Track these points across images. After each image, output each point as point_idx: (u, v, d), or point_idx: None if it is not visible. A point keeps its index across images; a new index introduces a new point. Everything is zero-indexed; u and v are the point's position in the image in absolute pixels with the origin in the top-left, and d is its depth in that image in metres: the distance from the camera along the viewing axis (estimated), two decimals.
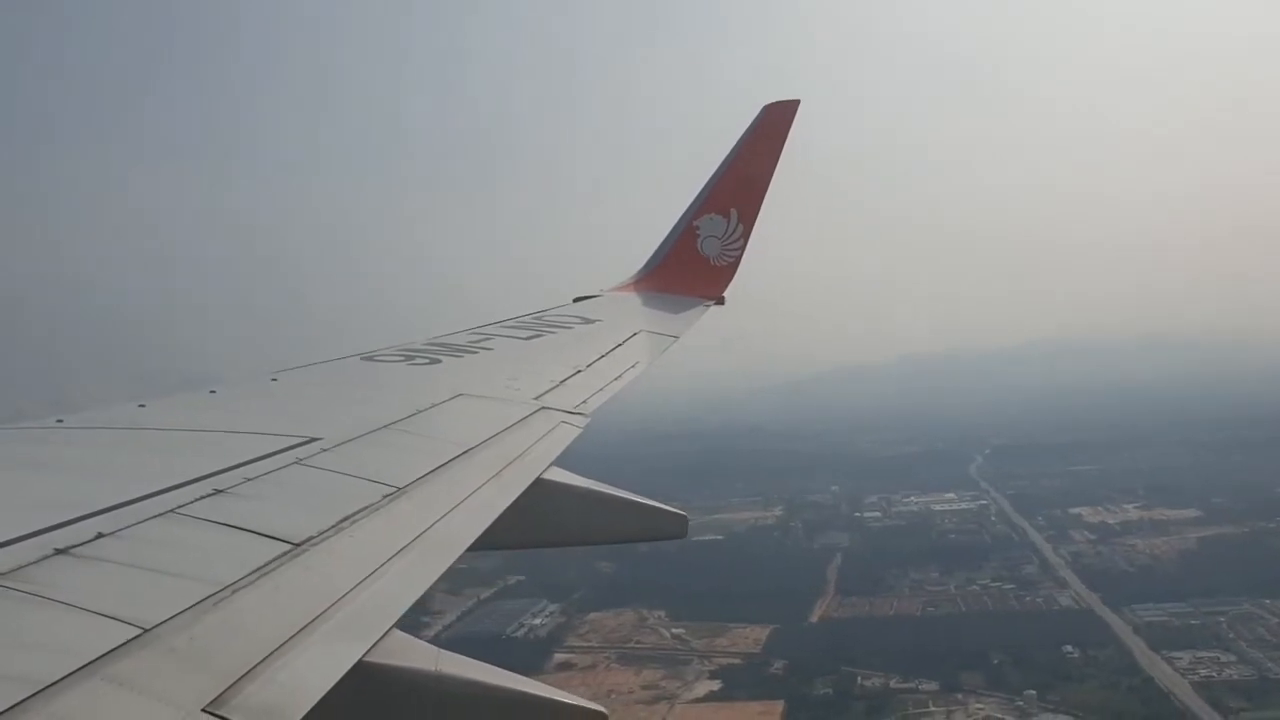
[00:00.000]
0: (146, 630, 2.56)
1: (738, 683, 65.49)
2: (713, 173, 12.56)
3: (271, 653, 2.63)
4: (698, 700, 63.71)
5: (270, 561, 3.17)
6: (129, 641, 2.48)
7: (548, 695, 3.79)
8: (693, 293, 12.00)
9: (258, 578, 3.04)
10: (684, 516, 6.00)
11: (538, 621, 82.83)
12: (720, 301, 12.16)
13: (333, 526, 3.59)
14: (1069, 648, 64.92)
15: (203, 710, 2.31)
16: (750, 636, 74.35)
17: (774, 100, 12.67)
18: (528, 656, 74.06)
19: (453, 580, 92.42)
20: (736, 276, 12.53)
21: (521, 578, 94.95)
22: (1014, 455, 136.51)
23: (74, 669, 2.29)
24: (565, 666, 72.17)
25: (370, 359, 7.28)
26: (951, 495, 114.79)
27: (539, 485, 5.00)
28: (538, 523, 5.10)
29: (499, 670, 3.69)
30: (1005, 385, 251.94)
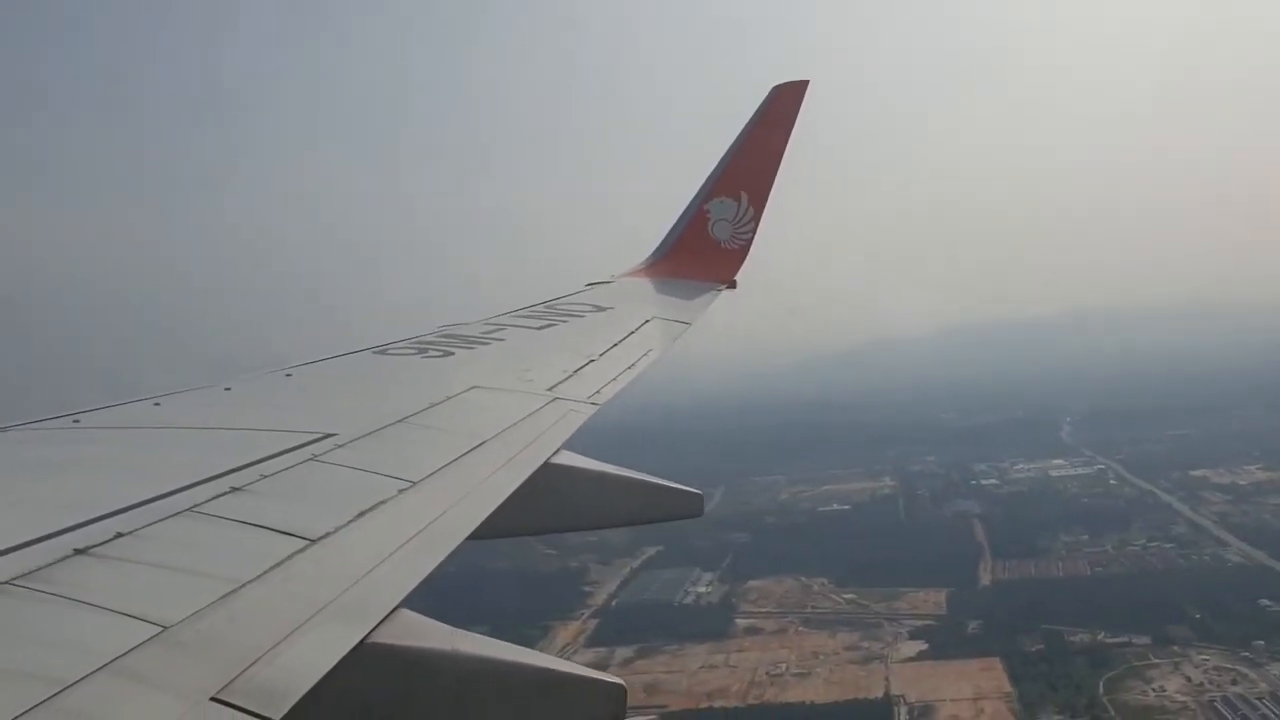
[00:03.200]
0: (166, 628, 2.61)
1: (941, 643, 67.00)
2: (722, 155, 12.38)
3: (279, 641, 2.70)
4: (911, 660, 65.23)
5: (287, 558, 3.23)
6: (149, 640, 2.54)
7: (566, 670, 3.79)
8: (705, 277, 11.82)
9: (271, 573, 3.11)
10: (699, 495, 6.00)
11: (703, 589, 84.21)
12: (732, 285, 11.98)
13: (349, 522, 3.64)
14: (1265, 601, 66.63)
15: (211, 699, 2.39)
16: (929, 600, 75.87)
17: (785, 80, 12.46)
18: (711, 622, 75.78)
19: (601, 552, 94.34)
20: (754, 256, 12.33)
21: (660, 547, 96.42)
22: (1103, 422, 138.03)
23: (95, 668, 2.35)
24: (753, 631, 73.60)
25: (383, 352, 7.26)
26: (1060, 461, 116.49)
27: (551, 470, 5.05)
28: (552, 507, 5.15)
29: (515, 647, 3.74)
30: (1052, 355, 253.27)
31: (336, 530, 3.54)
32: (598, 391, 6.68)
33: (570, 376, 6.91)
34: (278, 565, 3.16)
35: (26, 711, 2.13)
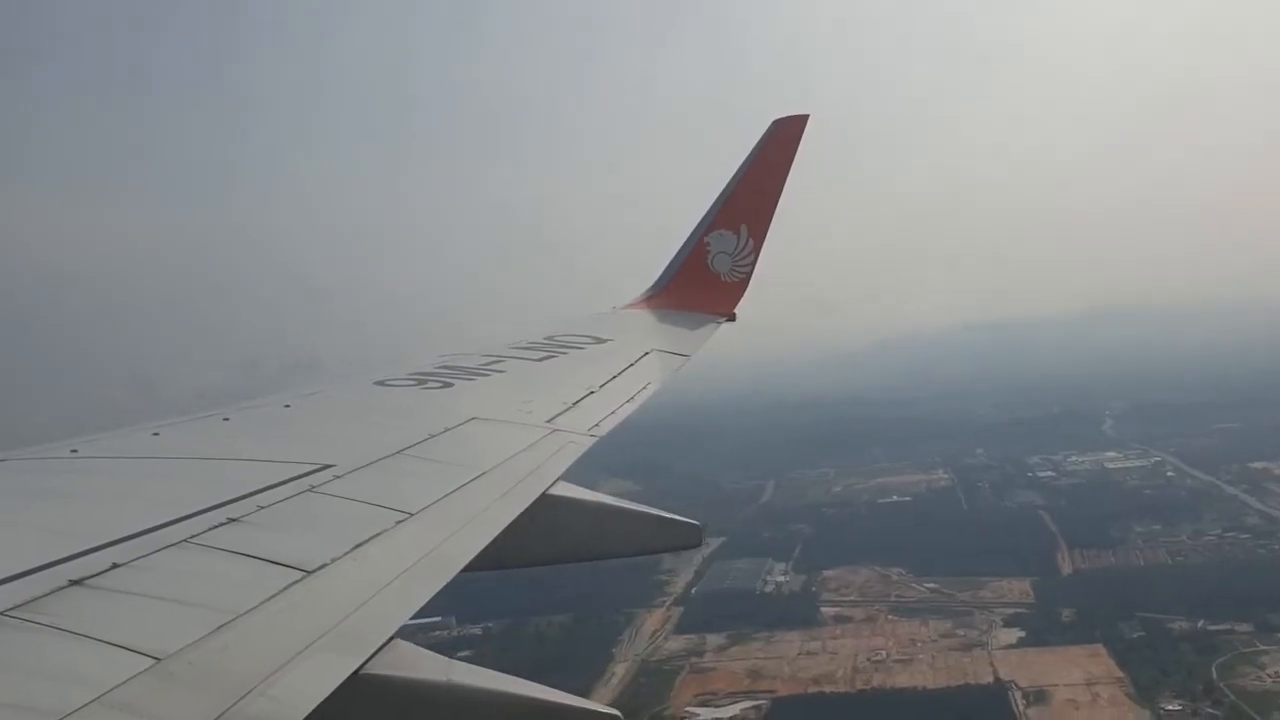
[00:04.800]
0: (160, 660, 2.61)
1: (1038, 630, 67.50)
2: (723, 188, 12.41)
3: (272, 672, 2.71)
4: (1012, 647, 65.67)
5: (283, 589, 3.23)
6: (143, 672, 2.53)
7: (561, 700, 3.77)
8: (704, 309, 11.84)
9: (267, 604, 3.12)
10: (698, 526, 5.90)
11: (781, 579, 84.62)
12: (732, 318, 12.00)
13: (345, 553, 3.64)
14: None
15: None
16: (1014, 588, 76.34)
17: (784, 115, 12.53)
18: (797, 610, 76.19)
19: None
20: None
21: (725, 538, 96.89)
22: (1144, 416, 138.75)
23: (88, 700, 2.34)
24: (842, 619, 74.02)
25: (382, 384, 7.30)
26: (1113, 454, 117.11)
27: (549, 502, 5.05)
28: (550, 538, 5.15)
29: (510, 678, 3.75)
30: (1076, 351, 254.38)
31: (333, 561, 3.54)
32: (597, 424, 6.65)
33: (570, 408, 6.91)
34: (273, 596, 3.17)
35: None
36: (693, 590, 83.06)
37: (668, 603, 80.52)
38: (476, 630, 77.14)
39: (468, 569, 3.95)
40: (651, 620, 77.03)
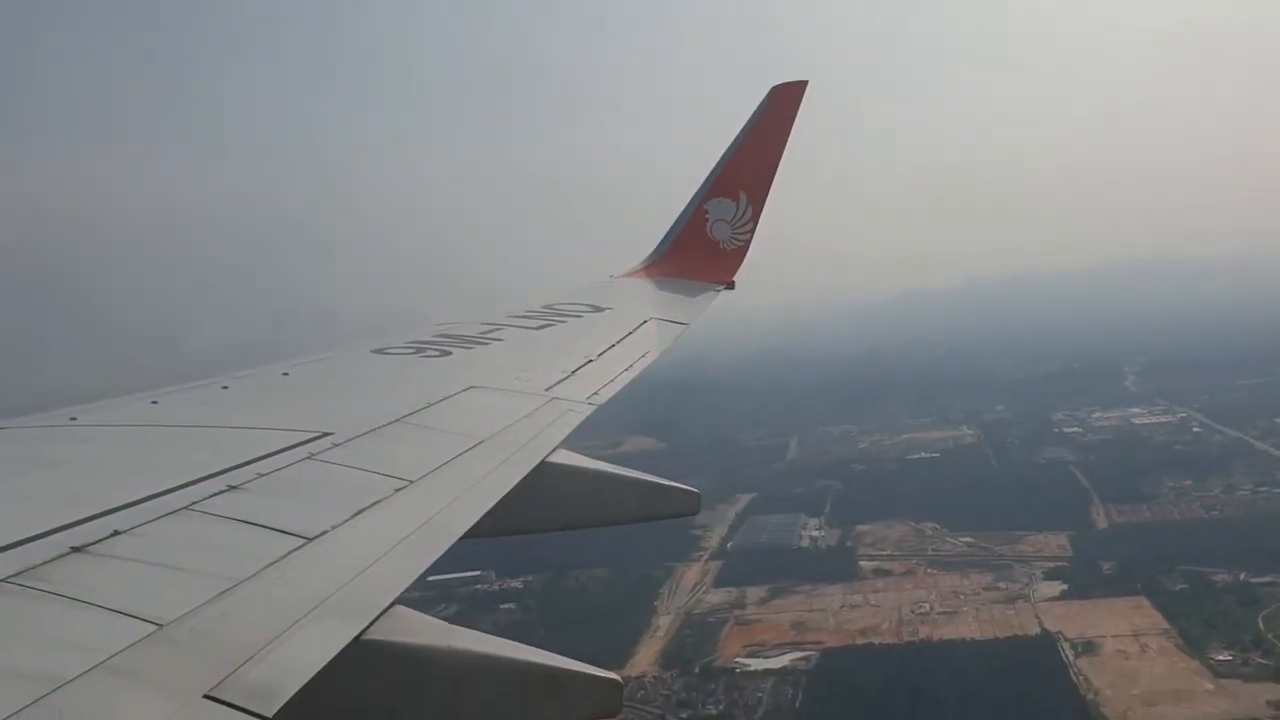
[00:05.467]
0: (161, 626, 2.62)
1: (1080, 583, 68.04)
2: (721, 155, 12.31)
3: (273, 639, 2.72)
4: (1055, 599, 66.29)
5: (283, 556, 3.25)
6: (143, 638, 2.55)
7: (562, 665, 3.79)
8: (703, 277, 11.82)
9: (266, 571, 3.13)
10: (696, 493, 6.02)
11: (816, 533, 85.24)
12: (730, 286, 11.95)
13: (345, 520, 3.66)
14: None
15: (204, 697, 2.40)
16: (1051, 542, 76.83)
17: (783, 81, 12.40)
18: (835, 564, 76.77)
19: (706, 498, 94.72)
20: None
21: (755, 494, 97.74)
22: (1166, 372, 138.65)
23: (89, 667, 2.35)
24: (881, 573, 74.60)
25: (381, 351, 7.29)
26: (1138, 410, 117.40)
27: (548, 469, 5.07)
28: (549, 506, 5.19)
29: (510, 643, 3.78)
30: (1089, 306, 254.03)
31: (333, 528, 3.57)
32: (596, 392, 6.66)
33: (568, 377, 6.92)
34: (274, 563, 3.19)
35: (21, 709, 2.13)
36: (729, 545, 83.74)
37: (705, 557, 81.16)
38: (517, 584, 77.98)
39: (467, 536, 3.96)
40: (690, 574, 77.70)
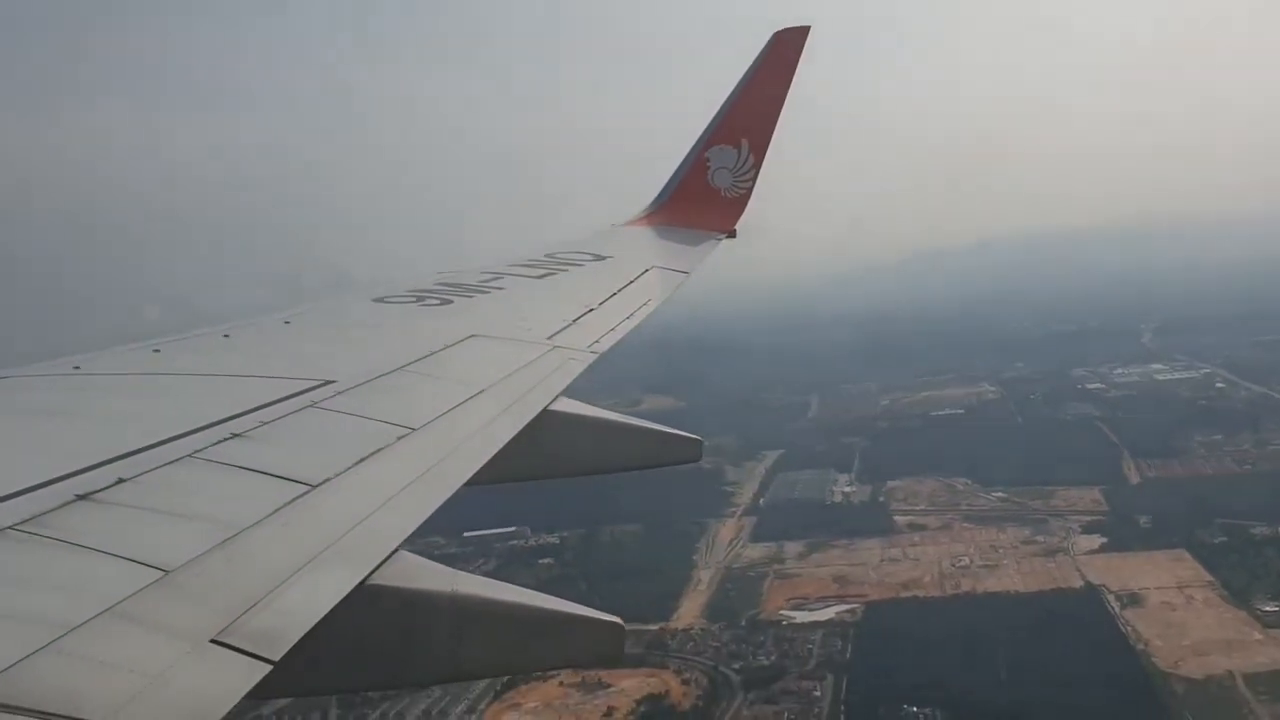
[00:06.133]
0: (168, 573, 2.64)
1: (1119, 536, 68.50)
2: (722, 103, 12.14)
3: (278, 585, 2.74)
4: (1095, 552, 66.76)
5: (287, 503, 3.27)
6: (150, 584, 2.57)
7: (565, 609, 3.80)
8: (704, 226, 11.77)
9: (271, 518, 3.15)
10: (698, 441, 6.03)
11: (848, 489, 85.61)
12: (732, 234, 11.88)
13: (348, 468, 3.68)
14: None
15: (210, 641, 2.43)
16: (1084, 497, 77.23)
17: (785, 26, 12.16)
18: (870, 519, 77.27)
19: (732, 455, 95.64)
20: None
21: (782, 451, 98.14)
22: (1182, 329, 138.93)
23: (97, 612, 2.37)
24: (917, 527, 75.07)
25: (382, 300, 7.29)
26: (1159, 366, 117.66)
27: (550, 418, 5.08)
28: (551, 453, 5.19)
29: (513, 588, 3.80)
30: (1096, 265, 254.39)
31: (336, 476, 3.58)
32: (597, 340, 6.65)
33: (570, 325, 6.90)
34: (278, 510, 3.20)
35: (31, 654, 2.15)
36: (761, 500, 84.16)
37: (738, 513, 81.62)
38: (553, 539, 78.37)
39: (470, 483, 3.96)
40: (725, 530, 78.15)
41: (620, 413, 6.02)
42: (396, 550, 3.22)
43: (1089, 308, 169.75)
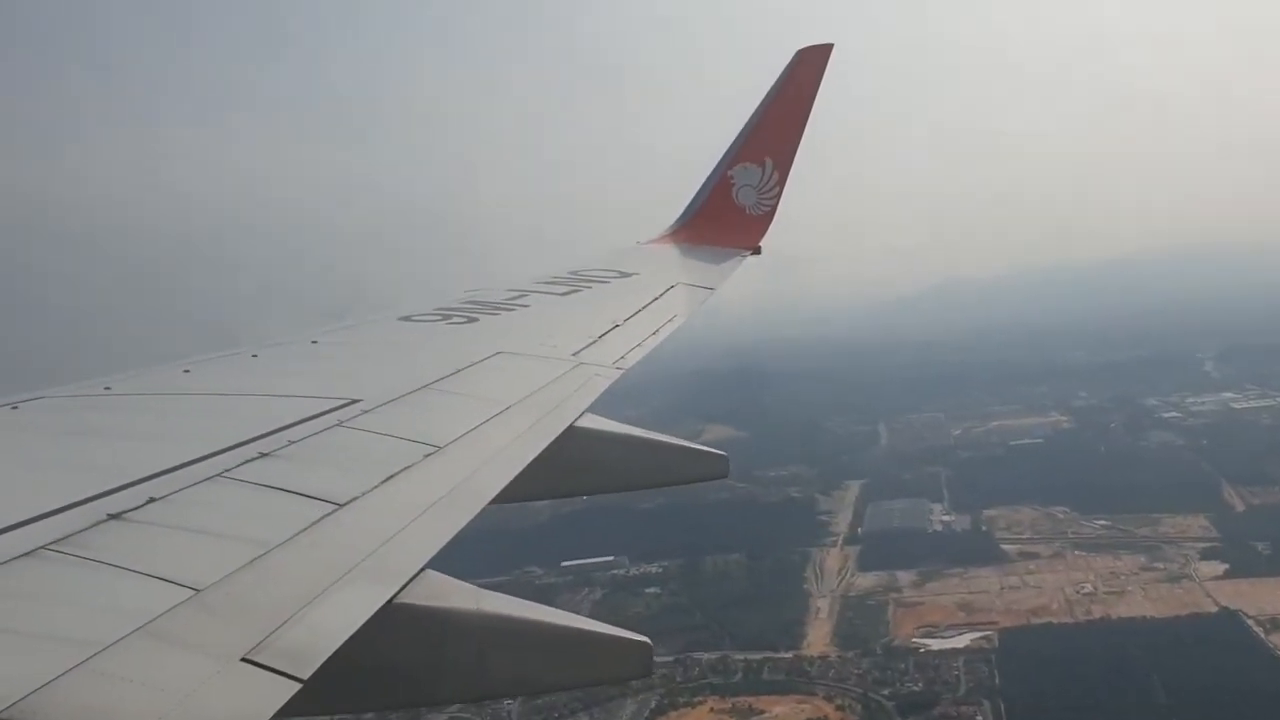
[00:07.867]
0: (198, 592, 2.68)
1: (1241, 562, 68.23)
2: (746, 121, 12.23)
3: (307, 603, 2.78)
4: (1220, 579, 66.43)
5: (315, 522, 3.30)
6: (181, 603, 2.60)
7: (592, 628, 3.80)
8: (729, 243, 11.77)
9: (299, 537, 3.18)
10: (724, 457, 5.98)
11: (947, 518, 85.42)
12: (757, 251, 11.91)
13: (375, 486, 3.71)
14: None
15: (241, 660, 2.45)
16: (1191, 524, 77.00)
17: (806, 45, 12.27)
18: (977, 548, 76.96)
19: (808, 484, 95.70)
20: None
21: (865, 480, 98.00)
22: (1246, 357, 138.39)
23: (128, 631, 2.40)
24: (1029, 556, 74.70)
25: (408, 319, 7.35)
26: (1232, 394, 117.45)
27: (576, 434, 5.08)
28: (577, 470, 5.22)
29: (540, 606, 3.78)
30: (1140, 291, 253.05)
31: (363, 494, 3.63)
32: (622, 357, 6.66)
33: (595, 342, 6.91)
34: (306, 529, 3.24)
35: (63, 673, 2.18)
36: (859, 530, 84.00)
37: (838, 542, 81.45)
38: (654, 569, 78.27)
39: (496, 501, 4.00)
40: (830, 559, 77.96)
41: (644, 429, 5.97)
42: (424, 569, 3.25)
43: (1135, 336, 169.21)
